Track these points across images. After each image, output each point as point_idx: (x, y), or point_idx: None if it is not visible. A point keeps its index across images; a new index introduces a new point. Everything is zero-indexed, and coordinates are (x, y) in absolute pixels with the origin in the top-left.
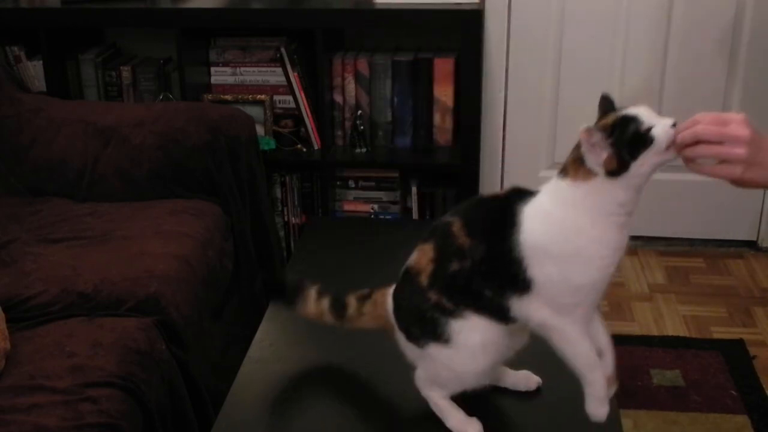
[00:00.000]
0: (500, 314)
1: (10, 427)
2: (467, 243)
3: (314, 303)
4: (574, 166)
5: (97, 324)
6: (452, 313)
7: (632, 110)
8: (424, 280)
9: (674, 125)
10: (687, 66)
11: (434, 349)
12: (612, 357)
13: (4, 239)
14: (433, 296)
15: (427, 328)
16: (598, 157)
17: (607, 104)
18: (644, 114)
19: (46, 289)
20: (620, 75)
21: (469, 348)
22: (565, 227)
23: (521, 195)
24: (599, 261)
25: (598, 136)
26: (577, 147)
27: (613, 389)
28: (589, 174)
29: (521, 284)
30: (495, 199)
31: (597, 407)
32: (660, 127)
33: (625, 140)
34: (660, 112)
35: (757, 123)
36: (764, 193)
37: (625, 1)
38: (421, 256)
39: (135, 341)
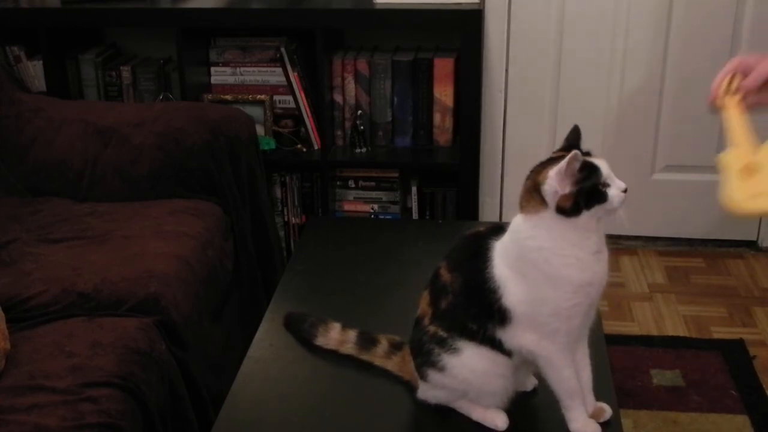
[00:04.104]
0: (499, 348)
1: (10, 427)
2: (449, 279)
3: (339, 333)
4: (526, 198)
5: (97, 324)
6: (448, 343)
7: (596, 161)
8: (427, 322)
9: (625, 191)
10: (687, 66)
11: (439, 378)
12: (591, 395)
13: (4, 239)
14: (431, 329)
15: (428, 357)
16: (560, 188)
17: (574, 137)
18: (604, 169)
19: (46, 289)
20: (620, 75)
21: (466, 375)
22: (532, 254)
23: (499, 231)
24: (569, 287)
25: (576, 167)
26: (530, 179)
27: (607, 415)
28: (539, 206)
29: (498, 315)
30: (475, 235)
31: (581, 427)
32: (615, 189)
33: (586, 188)
34: (660, 112)
35: (757, 123)
36: None
37: (625, 1)
38: (423, 303)
39: (135, 341)
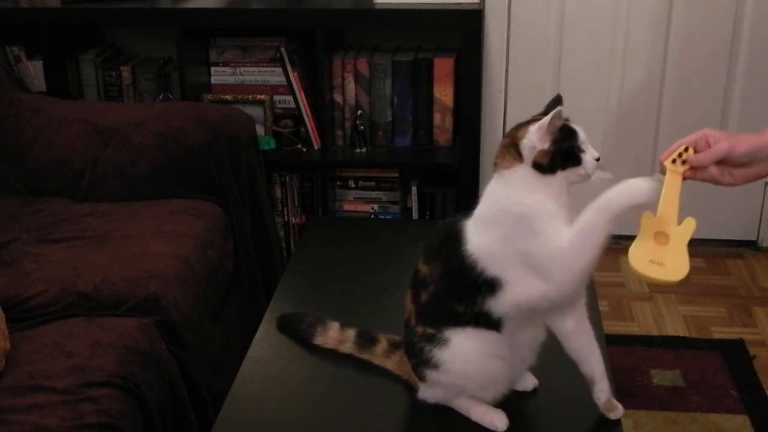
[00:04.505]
0: (485, 323)
1: (10, 427)
2: (427, 271)
3: (338, 332)
4: (502, 154)
5: (97, 324)
6: (437, 337)
7: (575, 126)
8: (413, 322)
9: (598, 159)
10: (687, 66)
11: (435, 375)
12: (607, 384)
13: (4, 239)
14: (419, 330)
15: (421, 356)
16: (539, 143)
17: (554, 105)
18: (582, 135)
19: (46, 289)
20: (620, 75)
21: (460, 366)
22: (502, 207)
23: (471, 214)
24: (547, 215)
25: (557, 125)
26: (508, 136)
27: (620, 413)
28: (513, 162)
29: (487, 286)
30: (446, 224)
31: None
32: (590, 155)
33: (563, 148)
34: (660, 112)
35: (757, 123)
36: (764, 193)
37: (625, 1)
38: (407, 303)
39: (135, 341)
